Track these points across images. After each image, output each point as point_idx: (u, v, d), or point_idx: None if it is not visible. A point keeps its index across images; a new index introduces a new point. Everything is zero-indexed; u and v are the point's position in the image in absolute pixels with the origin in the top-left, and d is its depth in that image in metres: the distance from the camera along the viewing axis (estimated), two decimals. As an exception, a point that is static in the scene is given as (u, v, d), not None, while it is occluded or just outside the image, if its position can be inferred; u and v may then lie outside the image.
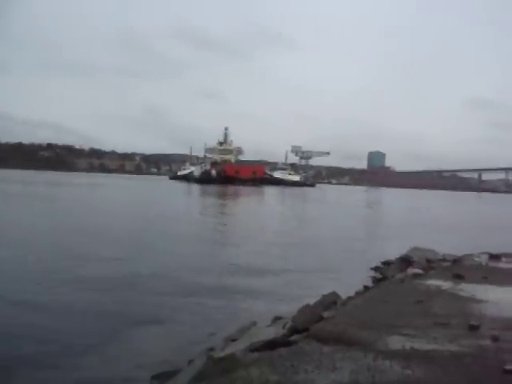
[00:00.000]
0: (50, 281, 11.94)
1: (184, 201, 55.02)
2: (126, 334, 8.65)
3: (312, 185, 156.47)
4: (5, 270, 13.02)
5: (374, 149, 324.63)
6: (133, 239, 19.82)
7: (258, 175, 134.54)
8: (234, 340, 7.61)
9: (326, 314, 7.13)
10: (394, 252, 17.27)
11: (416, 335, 5.78)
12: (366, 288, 11.52)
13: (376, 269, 15.66)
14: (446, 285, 9.09)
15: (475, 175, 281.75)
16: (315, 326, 6.30)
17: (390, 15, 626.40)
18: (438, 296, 8.13)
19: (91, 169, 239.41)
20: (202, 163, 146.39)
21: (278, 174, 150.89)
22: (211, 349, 7.45)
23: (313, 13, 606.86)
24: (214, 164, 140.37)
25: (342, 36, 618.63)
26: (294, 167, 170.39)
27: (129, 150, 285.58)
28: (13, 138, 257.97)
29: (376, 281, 13.15)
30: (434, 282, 9.40)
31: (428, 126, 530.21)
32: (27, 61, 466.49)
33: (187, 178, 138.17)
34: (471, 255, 14.24)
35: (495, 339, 5.62)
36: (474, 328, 6.08)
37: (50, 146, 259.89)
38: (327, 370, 4.64)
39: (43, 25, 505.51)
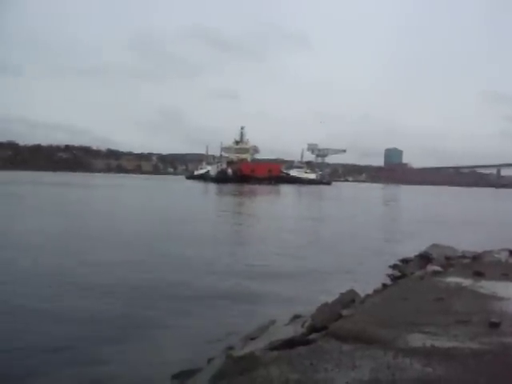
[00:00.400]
0: (65, 285, 11.95)
1: (200, 200, 55.13)
2: (145, 335, 8.69)
3: (328, 183, 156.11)
4: (17, 273, 13.04)
5: (390, 146, 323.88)
6: (150, 241, 19.89)
7: (274, 174, 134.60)
8: (252, 339, 7.60)
9: (344, 312, 7.10)
10: (412, 249, 17.16)
11: (436, 333, 5.74)
12: (385, 286, 11.47)
13: (394, 266, 15.57)
14: (466, 282, 9.01)
15: (494, 171, 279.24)
16: (334, 325, 6.28)
17: (403, 12, 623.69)
18: (458, 293, 8.06)
19: (108, 169, 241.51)
20: (218, 162, 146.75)
21: (294, 173, 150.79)
22: (230, 347, 7.46)
23: (326, 11, 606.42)
24: (230, 163, 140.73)
25: (356, 33, 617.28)
26: (310, 165, 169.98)
27: (145, 151, 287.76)
28: (31, 141, 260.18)
29: (394, 278, 13.08)
30: (453, 280, 9.32)
31: (445, 122, 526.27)
32: (44, 63, 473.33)
33: (204, 178, 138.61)
34: (491, 252, 14.09)
35: (517, 336, 5.57)
36: (494, 325, 6.02)
37: (67, 148, 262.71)
38: (347, 368, 4.62)
39: (59, 27, 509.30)
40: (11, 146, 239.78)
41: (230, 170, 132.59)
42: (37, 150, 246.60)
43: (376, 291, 10.54)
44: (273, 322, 8.57)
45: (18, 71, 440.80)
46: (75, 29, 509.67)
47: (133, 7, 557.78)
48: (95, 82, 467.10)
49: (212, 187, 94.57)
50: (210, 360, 7.13)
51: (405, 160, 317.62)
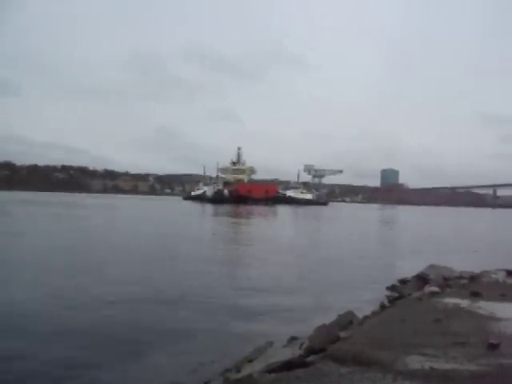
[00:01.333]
0: (60, 300, 11.93)
1: (196, 221, 55.00)
2: (139, 354, 8.59)
3: (325, 203, 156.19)
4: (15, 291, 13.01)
5: (387, 166, 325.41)
6: (146, 260, 19.79)
7: (270, 194, 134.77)
8: (250, 361, 7.53)
9: (342, 334, 7.06)
10: (409, 270, 17.14)
11: (435, 355, 5.71)
12: (383, 307, 11.41)
13: (392, 287, 15.49)
14: (463, 303, 8.99)
15: (490, 191, 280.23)
16: (332, 347, 6.24)
17: (401, 30, 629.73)
18: (456, 314, 8.04)
19: (105, 190, 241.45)
20: (214, 183, 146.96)
21: (290, 193, 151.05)
22: (227, 370, 7.40)
23: (323, 31, 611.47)
24: (226, 184, 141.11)
25: (352, 53, 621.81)
26: (306, 186, 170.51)
27: (142, 171, 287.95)
28: (28, 161, 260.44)
29: (392, 300, 12.99)
30: (451, 300, 9.30)
31: (441, 142, 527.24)
32: (40, 84, 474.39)
33: (200, 198, 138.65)
34: (488, 272, 14.10)
35: (516, 358, 5.53)
36: (493, 347, 5.99)
37: (64, 168, 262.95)
38: (346, 391, 4.59)
39: (57, 46, 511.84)
40: (8, 166, 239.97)
41: (226, 191, 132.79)
42: (33, 170, 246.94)
43: (374, 313, 10.49)
44: (270, 344, 8.52)
45: (17, 91, 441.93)
46: (74, 48, 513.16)
47: (132, 27, 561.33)
48: (93, 102, 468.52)
49: (208, 208, 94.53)
50: (206, 383, 7.07)
51: (401, 180, 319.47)
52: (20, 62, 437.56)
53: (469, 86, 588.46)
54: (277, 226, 50.77)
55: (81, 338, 9.29)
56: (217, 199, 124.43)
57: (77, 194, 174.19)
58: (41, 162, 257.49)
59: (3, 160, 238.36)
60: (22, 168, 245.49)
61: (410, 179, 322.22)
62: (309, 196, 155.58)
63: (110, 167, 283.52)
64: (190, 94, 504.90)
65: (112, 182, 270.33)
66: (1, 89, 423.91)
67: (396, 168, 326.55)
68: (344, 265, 20.78)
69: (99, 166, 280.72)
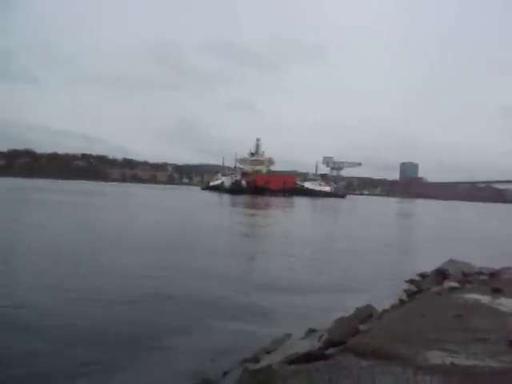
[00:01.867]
0: (71, 295, 11.94)
1: (213, 212, 55.00)
2: (158, 345, 8.63)
3: (343, 196, 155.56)
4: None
5: (406, 159, 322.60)
6: (164, 251, 19.90)
7: (288, 186, 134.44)
8: (268, 352, 7.56)
9: (362, 327, 7.05)
10: (428, 264, 16.99)
11: (456, 350, 5.68)
12: (402, 301, 11.37)
13: (411, 281, 15.40)
14: (484, 299, 8.91)
15: (510, 186, 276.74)
16: (352, 339, 6.24)
17: (421, 25, 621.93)
18: (476, 310, 7.97)
19: (124, 179, 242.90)
20: (232, 174, 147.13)
21: (308, 185, 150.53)
22: (246, 360, 7.42)
23: (342, 23, 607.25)
24: (244, 174, 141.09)
25: (374, 47, 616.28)
26: (324, 178, 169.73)
27: (161, 161, 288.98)
28: (48, 149, 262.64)
29: (411, 294, 12.93)
30: (471, 296, 9.22)
31: (462, 136, 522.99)
32: (62, 72, 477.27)
33: (218, 189, 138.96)
34: (509, 268, 13.94)
35: (538, 356, 5.48)
36: (515, 344, 5.94)
37: (84, 156, 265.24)
38: (366, 384, 4.59)
39: (78, 36, 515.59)
40: (29, 154, 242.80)
41: (244, 182, 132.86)
42: (54, 158, 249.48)
43: (393, 306, 10.45)
44: (288, 336, 8.53)
45: (36, 80, 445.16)
46: (94, 38, 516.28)
47: (151, 18, 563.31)
48: (113, 91, 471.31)
49: (226, 198, 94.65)
50: (225, 373, 7.10)
51: (420, 174, 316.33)
52: (40, 50, 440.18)
53: (490, 79, 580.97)
54: (294, 218, 50.71)
55: (94, 335, 9.30)
56: (234, 190, 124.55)
57: (96, 182, 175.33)
58: (60, 151, 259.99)
59: (24, 148, 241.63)
60: (42, 156, 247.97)
61: (429, 173, 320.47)
62: (327, 188, 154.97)
63: (129, 156, 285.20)
64: (209, 84, 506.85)
65: (131, 171, 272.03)
66: (22, 77, 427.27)
67: (415, 161, 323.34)
68: (362, 258, 20.70)
69: (118, 155, 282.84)
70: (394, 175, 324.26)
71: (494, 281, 11.65)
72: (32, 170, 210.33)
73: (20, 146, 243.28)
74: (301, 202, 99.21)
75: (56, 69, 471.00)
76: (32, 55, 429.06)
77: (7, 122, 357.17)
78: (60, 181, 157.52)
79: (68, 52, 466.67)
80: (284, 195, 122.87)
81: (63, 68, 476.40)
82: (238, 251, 21.44)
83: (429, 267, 16.39)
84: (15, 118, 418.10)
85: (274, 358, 6.67)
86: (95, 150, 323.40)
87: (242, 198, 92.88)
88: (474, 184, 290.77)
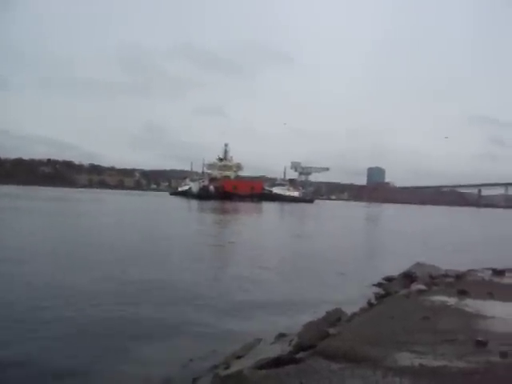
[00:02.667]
0: (49, 297, 11.84)
1: (181, 217, 54.60)
2: (128, 350, 8.55)
3: (311, 201, 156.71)
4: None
5: (373, 165, 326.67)
6: (133, 257, 19.65)
7: (256, 191, 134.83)
8: (238, 357, 7.52)
9: (331, 331, 7.07)
10: (395, 268, 17.19)
11: (424, 352, 5.75)
12: (370, 304, 11.47)
13: (379, 285, 15.56)
14: (450, 301, 9.06)
15: (475, 191, 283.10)
16: (322, 343, 6.25)
17: (390, 27, 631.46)
18: (443, 312, 8.09)
19: (91, 184, 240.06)
20: (200, 179, 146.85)
21: (276, 190, 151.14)
22: (216, 366, 7.38)
23: (310, 28, 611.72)
24: (212, 180, 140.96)
25: (340, 50, 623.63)
26: (293, 183, 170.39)
27: (128, 166, 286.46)
28: (13, 154, 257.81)
29: (380, 297, 13.06)
30: (438, 298, 9.37)
31: (428, 142, 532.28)
32: (29, 76, 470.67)
33: (186, 194, 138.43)
34: (474, 271, 14.21)
35: (504, 355, 5.58)
36: (481, 344, 6.04)
37: (50, 162, 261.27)
38: (337, 387, 4.60)
39: (45, 39, 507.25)
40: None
41: (211, 187, 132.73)
42: (18, 163, 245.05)
43: (362, 309, 10.53)
44: (258, 341, 8.49)
45: (3, 84, 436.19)
46: (62, 42, 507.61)
47: (120, 22, 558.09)
48: (80, 96, 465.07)
49: (193, 204, 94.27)
50: (195, 379, 7.05)
51: (387, 179, 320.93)
52: (6, 55, 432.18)
53: (457, 86, 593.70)
54: (261, 224, 50.73)
55: (70, 335, 9.23)
56: (202, 195, 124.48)
57: (62, 188, 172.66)
58: (27, 156, 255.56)
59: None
60: (6, 161, 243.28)
61: (396, 178, 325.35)
62: (295, 193, 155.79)
63: (97, 162, 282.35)
64: (178, 89, 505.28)
65: (98, 176, 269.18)
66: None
67: (383, 167, 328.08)
68: (329, 262, 20.80)
69: (85, 161, 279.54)
70: (362, 180, 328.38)
71: (459, 283, 11.85)
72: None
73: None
74: (269, 207, 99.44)
75: (23, 73, 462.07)
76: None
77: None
78: (25, 187, 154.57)
79: (36, 55, 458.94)
80: (252, 200, 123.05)
81: (31, 72, 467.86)
82: (206, 259, 21.27)
83: (396, 270, 16.58)
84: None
85: (245, 364, 6.64)
86: (61, 156, 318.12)
87: (210, 204, 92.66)
88: (438, 188, 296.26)
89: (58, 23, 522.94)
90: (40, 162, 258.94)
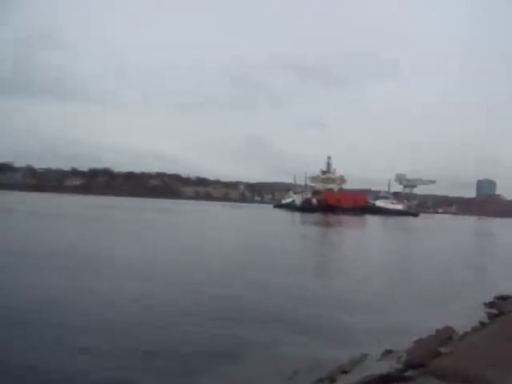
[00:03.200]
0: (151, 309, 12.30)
1: (285, 231, 54.91)
2: (230, 363, 8.66)
3: (416, 214, 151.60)
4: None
5: (482, 176, 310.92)
6: (237, 268, 20.05)
7: (359, 204, 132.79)
8: (344, 372, 7.44)
9: (443, 350, 6.82)
10: (507, 287, 16.29)
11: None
12: (482, 324, 10.93)
13: (490, 304, 14.79)
14: None
15: None
16: (433, 362, 6.04)
17: (500, 37, 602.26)
18: None
19: (197, 196, 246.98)
20: (303, 192, 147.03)
21: (380, 203, 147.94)
22: (321, 380, 7.33)
23: (415, 37, 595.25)
24: (315, 192, 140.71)
25: (447, 60, 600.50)
26: (397, 196, 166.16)
27: (233, 179, 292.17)
28: (124, 168, 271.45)
29: (492, 316, 12.41)
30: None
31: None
32: (134, 94, 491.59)
33: (289, 207, 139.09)
34: None
35: None
36: None
37: (158, 175, 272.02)
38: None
39: (151, 55, 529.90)
40: (107, 173, 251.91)
41: (314, 200, 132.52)
42: (130, 176, 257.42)
43: (474, 329, 10.07)
44: (365, 356, 8.37)
45: (113, 103, 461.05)
46: (166, 58, 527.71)
47: (223, 38, 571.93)
48: (186, 111, 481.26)
49: (296, 216, 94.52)
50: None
51: (498, 191, 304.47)
52: (115, 73, 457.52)
53: None
54: (366, 237, 49.92)
55: (175, 340, 9.54)
56: (305, 208, 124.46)
57: (170, 200, 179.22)
58: (136, 170, 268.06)
59: (102, 167, 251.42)
60: (119, 175, 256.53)
61: (508, 190, 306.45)
62: (399, 206, 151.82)
63: (203, 175, 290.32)
64: (280, 102, 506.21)
65: (204, 189, 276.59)
66: (100, 100, 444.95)
67: (493, 178, 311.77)
68: (436, 279, 20.10)
69: (192, 174, 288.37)
70: (471, 193, 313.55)
71: None
72: (109, 188, 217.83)
73: (99, 165, 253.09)
74: (372, 220, 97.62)
75: (127, 88, 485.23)
76: (109, 76, 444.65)
77: (88, 144, 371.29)
78: (136, 198, 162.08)
79: (143, 72, 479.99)
80: (355, 214, 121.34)
81: (135, 89, 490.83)
82: (312, 270, 21.29)
83: (509, 290, 15.71)
84: (95, 139, 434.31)
85: (351, 379, 6.57)
86: (169, 169, 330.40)
87: (314, 217, 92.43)
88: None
89: (159, 40, 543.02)
90: (149, 175, 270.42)
